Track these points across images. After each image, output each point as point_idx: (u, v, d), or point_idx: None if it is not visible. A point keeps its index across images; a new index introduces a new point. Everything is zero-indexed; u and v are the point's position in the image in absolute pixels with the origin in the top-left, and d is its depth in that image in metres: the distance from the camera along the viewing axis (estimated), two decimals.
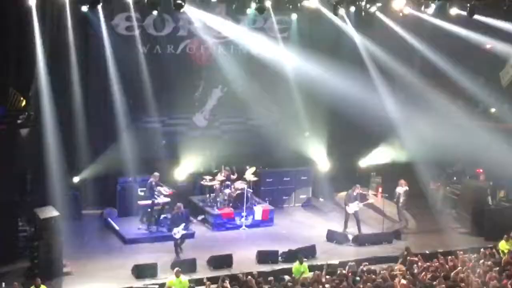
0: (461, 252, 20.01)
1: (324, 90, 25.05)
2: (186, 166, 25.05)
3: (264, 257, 20.74)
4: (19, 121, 21.14)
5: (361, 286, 17.02)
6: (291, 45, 25.90)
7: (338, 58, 25.58)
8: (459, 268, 18.34)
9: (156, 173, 23.10)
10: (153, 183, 22.92)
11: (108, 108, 23.55)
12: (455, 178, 26.08)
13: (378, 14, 24.19)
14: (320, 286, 16.83)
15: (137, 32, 23.74)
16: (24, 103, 21.35)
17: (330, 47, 26.15)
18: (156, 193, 22.85)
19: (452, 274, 17.82)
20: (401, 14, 23.70)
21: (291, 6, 23.61)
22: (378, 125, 25.75)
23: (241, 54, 25.66)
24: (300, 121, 26.41)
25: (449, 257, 19.43)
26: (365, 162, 27.29)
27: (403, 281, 17.01)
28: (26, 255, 19.90)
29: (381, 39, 25.42)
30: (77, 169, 23.32)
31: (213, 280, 18.01)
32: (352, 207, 23.14)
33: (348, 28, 25.14)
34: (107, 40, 22.99)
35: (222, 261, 20.22)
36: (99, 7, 21.28)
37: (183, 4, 19.45)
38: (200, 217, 23.79)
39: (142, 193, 23.51)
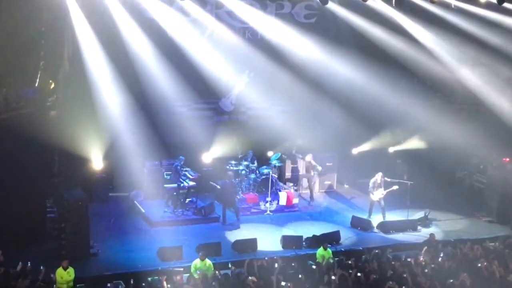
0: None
1: (350, 77, 25.17)
2: (212, 151, 25.17)
3: (288, 242, 20.82)
4: (48, 104, 21.33)
5: None
6: (317, 32, 25.90)
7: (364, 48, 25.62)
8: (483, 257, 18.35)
9: (182, 157, 23.27)
10: (179, 167, 23.09)
11: (136, 93, 23.63)
12: (481, 166, 25.88)
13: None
14: None
15: (164, 16, 23.75)
16: (53, 85, 21.55)
17: (353, 37, 26.08)
18: (182, 177, 23.03)
19: (476, 263, 17.83)
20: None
21: None
22: (404, 113, 25.70)
23: (268, 39, 25.58)
24: (325, 107, 26.45)
25: (475, 246, 19.40)
26: (392, 148, 27.26)
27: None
28: (53, 236, 20.15)
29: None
30: (103, 153, 23.50)
31: (237, 264, 18.19)
32: (377, 195, 23.14)
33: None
34: (136, 24, 23.10)
35: (246, 246, 20.33)
36: None
37: None
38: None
39: (168, 177, 23.66)
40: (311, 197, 25.21)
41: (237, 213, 22.72)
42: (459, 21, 24.97)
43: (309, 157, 25.34)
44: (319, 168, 25.28)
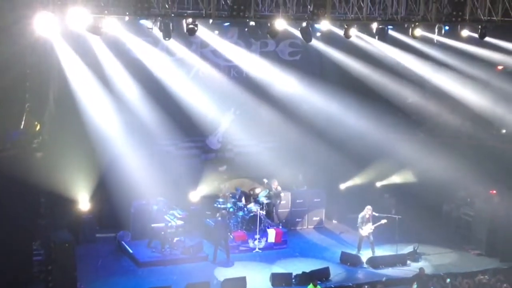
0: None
1: (335, 113, 25.40)
2: (200, 189, 25.13)
3: (278, 279, 20.72)
4: (33, 145, 21.26)
5: None
6: (301, 69, 26.13)
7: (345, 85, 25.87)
8: None
9: (160, 199, 23.23)
10: (164, 209, 23.06)
11: (122, 133, 23.60)
12: (469, 199, 25.92)
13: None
14: None
15: (149, 56, 23.87)
16: (38, 127, 21.51)
17: (337, 74, 26.29)
18: (169, 216, 22.93)
19: None
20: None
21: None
22: (390, 147, 25.83)
23: (253, 77, 25.74)
24: (311, 144, 26.53)
25: (465, 280, 19.37)
26: (379, 183, 27.32)
27: None
28: (40, 278, 19.97)
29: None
30: (90, 194, 23.38)
31: None
32: (366, 229, 23.10)
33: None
34: (121, 64, 23.19)
35: (236, 284, 20.21)
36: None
37: (196, 29, 19.55)
38: None
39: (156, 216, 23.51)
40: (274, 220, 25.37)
41: (228, 253, 22.59)
42: (442, 56, 25.29)
43: (275, 184, 25.37)
44: (282, 195, 25.57)
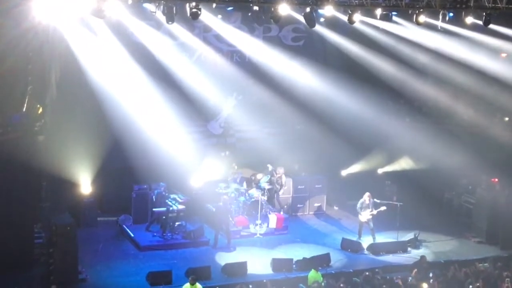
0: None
1: (338, 100, 25.30)
2: (201, 174, 25.11)
3: (278, 265, 20.72)
4: (35, 128, 21.23)
5: None
6: (304, 54, 26.04)
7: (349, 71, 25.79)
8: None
9: (162, 183, 23.26)
10: (163, 193, 23.06)
11: (123, 116, 23.56)
12: (470, 187, 25.92)
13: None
14: None
15: (152, 40, 23.78)
16: (40, 110, 21.48)
17: (340, 60, 26.21)
18: (171, 200, 22.94)
19: (466, 284, 17.82)
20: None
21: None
22: (393, 134, 25.80)
23: (256, 62, 25.67)
24: (313, 130, 26.47)
25: (464, 269, 19.38)
26: (380, 169, 27.29)
27: None
28: (41, 261, 20.00)
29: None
30: (91, 177, 23.38)
31: None
32: (365, 215, 23.10)
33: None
34: (123, 47, 23.11)
35: (236, 269, 20.22)
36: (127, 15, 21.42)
37: (199, 13, 19.43)
38: None
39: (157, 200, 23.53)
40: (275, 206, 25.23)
41: (229, 238, 22.60)
42: (446, 42, 25.18)
43: (280, 170, 25.31)
44: (284, 184, 25.44)
